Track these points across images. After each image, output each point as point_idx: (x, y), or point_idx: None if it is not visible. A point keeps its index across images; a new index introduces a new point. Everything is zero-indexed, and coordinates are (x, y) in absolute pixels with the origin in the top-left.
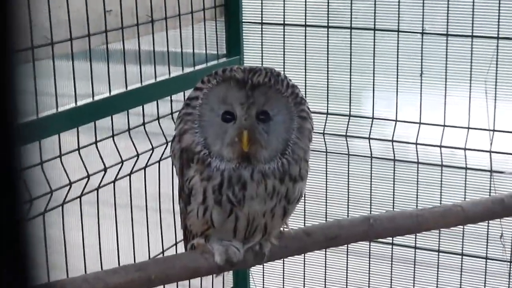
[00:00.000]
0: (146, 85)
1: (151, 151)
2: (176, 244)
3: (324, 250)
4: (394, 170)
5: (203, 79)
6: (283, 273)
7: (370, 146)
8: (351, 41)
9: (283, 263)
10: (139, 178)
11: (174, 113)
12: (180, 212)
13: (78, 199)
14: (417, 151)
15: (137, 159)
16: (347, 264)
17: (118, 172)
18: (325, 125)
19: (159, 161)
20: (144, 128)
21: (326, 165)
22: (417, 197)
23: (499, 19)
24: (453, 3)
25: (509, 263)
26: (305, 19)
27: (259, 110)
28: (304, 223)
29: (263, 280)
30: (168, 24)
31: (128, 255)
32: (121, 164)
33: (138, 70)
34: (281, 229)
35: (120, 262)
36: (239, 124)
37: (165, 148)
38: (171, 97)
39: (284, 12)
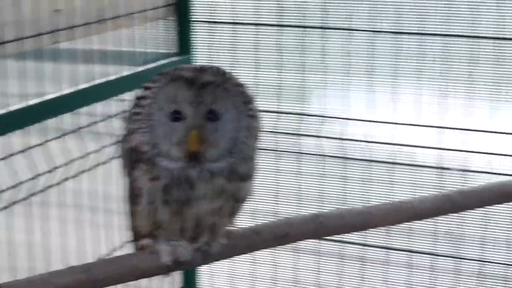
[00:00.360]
0: (96, 84)
1: (100, 151)
2: (124, 244)
3: (273, 248)
4: (344, 168)
5: (152, 78)
6: (232, 272)
7: (321, 144)
8: (302, 40)
9: (232, 262)
10: (88, 179)
11: (124, 112)
12: (127, 213)
13: (27, 200)
14: (367, 149)
15: (87, 159)
16: (296, 262)
17: (68, 173)
18: (276, 124)
19: (108, 161)
20: (94, 128)
21: (278, 164)
22: (367, 195)
23: (446, 16)
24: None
25: (457, 259)
26: (256, 17)
27: (207, 109)
28: (254, 221)
29: (212, 279)
30: (119, 23)
31: (76, 256)
32: (70, 164)
33: (89, 69)
34: (230, 228)
35: (69, 263)
36: (188, 124)
37: (115, 148)
38: (121, 96)
39: (233, 10)
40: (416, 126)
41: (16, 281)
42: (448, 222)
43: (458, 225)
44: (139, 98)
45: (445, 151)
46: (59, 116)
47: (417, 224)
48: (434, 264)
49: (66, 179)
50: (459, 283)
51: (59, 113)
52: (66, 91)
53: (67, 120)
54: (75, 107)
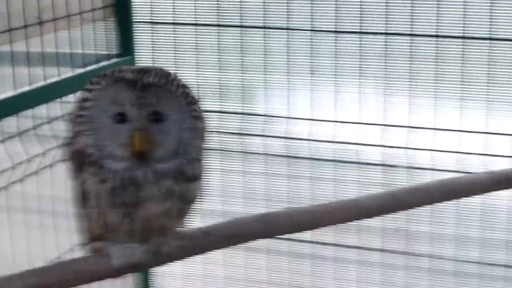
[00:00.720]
0: (36, 87)
1: (43, 154)
2: (73, 247)
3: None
4: (289, 167)
5: (92, 80)
6: (185, 273)
7: (264, 143)
8: (242, 39)
9: (183, 263)
10: (33, 182)
11: (65, 115)
12: (75, 216)
13: None
14: (310, 147)
15: (29, 162)
16: (247, 261)
17: (14, 176)
18: (219, 124)
19: (52, 165)
20: (35, 131)
21: (221, 164)
22: (312, 193)
23: (387, 15)
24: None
25: (405, 255)
26: (195, 17)
27: (150, 110)
28: (202, 222)
29: (164, 281)
30: (57, 25)
31: (24, 259)
32: (13, 168)
33: (27, 72)
34: (179, 229)
35: (16, 267)
36: (131, 126)
37: (59, 151)
38: (61, 99)
39: (174, 11)
40: (360, 124)
41: None
42: (397, 219)
43: (406, 222)
44: (81, 101)
45: (390, 148)
46: (1, 119)
47: (366, 222)
48: (384, 261)
49: (12, 182)
50: (409, 279)
51: (1, 117)
52: (7, 94)
53: (10, 123)
54: (17, 110)
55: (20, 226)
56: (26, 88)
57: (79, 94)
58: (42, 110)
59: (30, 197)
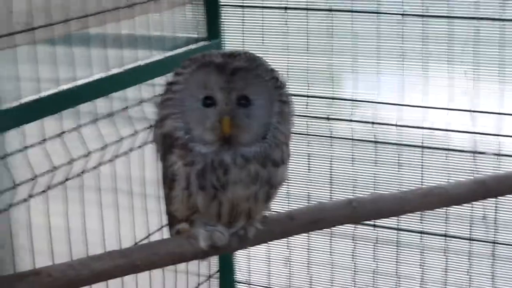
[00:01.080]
0: (127, 69)
1: (134, 135)
2: (161, 228)
3: (307, 233)
4: (376, 152)
5: (182, 64)
6: (268, 256)
7: (352, 128)
8: (331, 23)
9: (268, 246)
10: (124, 163)
11: (156, 97)
12: (164, 198)
13: (63, 184)
14: (398, 133)
15: (121, 144)
16: (331, 247)
17: (102, 157)
18: (306, 108)
19: (143, 146)
20: (127, 112)
21: (308, 148)
22: (399, 179)
23: None
24: None
25: (492, 244)
26: (285, 1)
27: (239, 94)
28: (288, 206)
29: (249, 263)
30: (148, 8)
31: (113, 240)
32: (105, 149)
33: (119, 55)
34: (265, 213)
35: (106, 247)
36: (220, 109)
37: (149, 133)
38: (153, 81)
39: None
40: (448, 110)
41: (56, 265)
42: (486, 207)
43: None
44: (170, 84)
45: (479, 135)
46: (93, 100)
47: (452, 208)
48: (472, 249)
49: (101, 163)
50: (495, 268)
51: (91, 98)
52: (98, 76)
53: (101, 104)
54: (107, 92)
55: (109, 206)
56: (117, 70)
57: (168, 77)
58: (132, 92)
59: (120, 178)
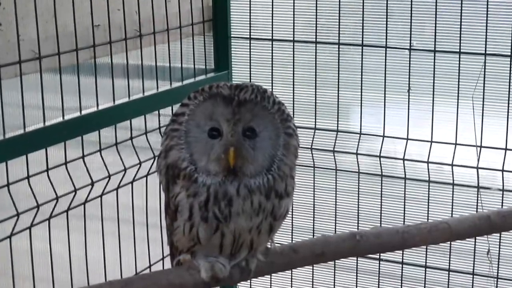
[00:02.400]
0: (134, 99)
1: (138, 165)
2: (163, 258)
3: (311, 265)
4: (381, 186)
5: (189, 95)
6: None
7: (357, 161)
8: (339, 56)
9: (270, 278)
10: (126, 193)
11: (161, 127)
12: (166, 228)
13: (65, 213)
14: (404, 166)
15: (124, 173)
16: (334, 280)
17: (105, 187)
18: (312, 140)
19: (146, 176)
20: (132, 142)
21: (314, 180)
22: (404, 213)
23: (486, 35)
24: (440, 19)
25: (495, 279)
26: (293, 34)
27: (245, 126)
28: (292, 238)
29: None
30: (156, 39)
31: (114, 268)
32: (108, 178)
33: (126, 84)
34: (268, 245)
35: (107, 276)
36: (225, 141)
37: (153, 163)
38: (159, 112)
39: (272, 27)
40: (454, 145)
41: None
42: (490, 242)
43: (497, 245)
44: (176, 115)
45: (484, 170)
46: (100, 129)
47: (455, 243)
48: (475, 284)
49: (104, 193)
50: None
51: (97, 128)
52: (106, 105)
53: (107, 133)
54: (113, 122)
55: (111, 235)
56: (124, 100)
57: (176, 108)
58: (139, 122)
59: (123, 208)
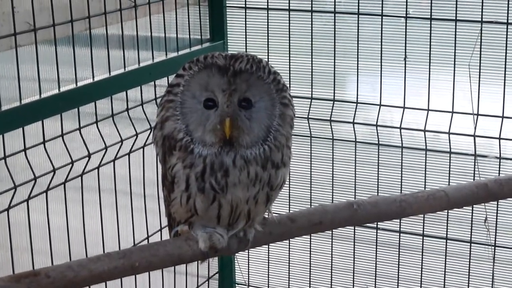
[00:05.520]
0: (129, 70)
1: (135, 136)
2: (161, 229)
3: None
4: (378, 155)
5: (184, 65)
6: (268, 258)
7: (354, 130)
8: (334, 25)
9: (268, 248)
10: (123, 164)
11: (157, 98)
12: (163, 199)
13: (63, 185)
14: (401, 135)
15: (121, 145)
16: (332, 249)
17: (102, 158)
18: (309, 110)
19: (143, 147)
20: (128, 113)
21: (311, 150)
22: (401, 182)
23: (482, 2)
24: None
25: (493, 247)
26: (289, 3)
27: (241, 97)
28: (289, 208)
29: (248, 265)
30: (151, 9)
31: (112, 240)
32: (105, 150)
33: (121, 55)
34: (265, 215)
35: (105, 247)
36: (221, 111)
37: (149, 134)
38: (154, 83)
39: None
40: (451, 113)
41: (55, 266)
42: (487, 210)
43: (494, 213)
44: (172, 86)
45: (481, 138)
46: (96, 101)
47: (453, 211)
48: (473, 252)
49: (101, 164)
50: (495, 271)
51: (92, 100)
52: (102, 76)
53: (103, 105)
54: (109, 94)
55: (109, 207)
56: (120, 71)
57: (171, 79)
58: (135, 93)
59: (120, 179)
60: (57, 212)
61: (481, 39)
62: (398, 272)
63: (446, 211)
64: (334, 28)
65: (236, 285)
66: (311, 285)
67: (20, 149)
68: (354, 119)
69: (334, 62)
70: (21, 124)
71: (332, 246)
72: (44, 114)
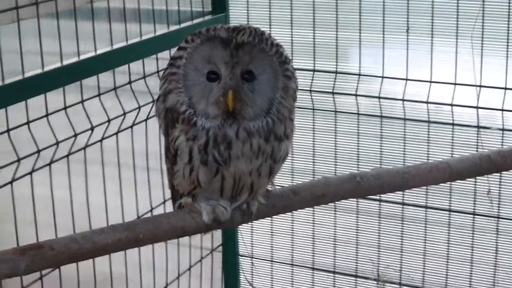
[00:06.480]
0: (132, 43)
1: (137, 109)
2: (164, 202)
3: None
4: (381, 127)
5: (187, 38)
6: (272, 229)
7: (357, 102)
8: None
9: (271, 220)
10: (126, 137)
11: (160, 71)
12: (167, 172)
13: (66, 158)
14: (404, 107)
15: (124, 118)
16: (335, 221)
17: (105, 131)
18: (311, 82)
19: (146, 120)
20: (131, 86)
21: (313, 122)
22: (404, 154)
23: None
24: None
25: (496, 219)
26: None
27: (243, 69)
28: (292, 180)
29: (252, 237)
30: None
31: (116, 213)
32: (108, 123)
33: (123, 29)
34: (268, 187)
35: (109, 220)
36: (224, 84)
37: (152, 107)
38: (157, 55)
39: None
40: (454, 85)
41: (59, 239)
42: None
43: (497, 185)
44: (174, 58)
45: (484, 110)
46: (98, 74)
47: (456, 183)
48: (476, 224)
49: (106, 137)
50: (498, 242)
51: (95, 73)
52: (104, 49)
53: (106, 78)
54: (111, 67)
55: (112, 180)
56: (122, 44)
57: (173, 51)
58: (137, 66)
59: (123, 152)
60: (61, 185)
61: (483, 9)
62: (402, 244)
63: (449, 183)
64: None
65: (240, 257)
66: (314, 257)
67: (23, 122)
68: (356, 91)
69: (336, 34)
70: (24, 97)
71: (335, 218)
72: (46, 88)
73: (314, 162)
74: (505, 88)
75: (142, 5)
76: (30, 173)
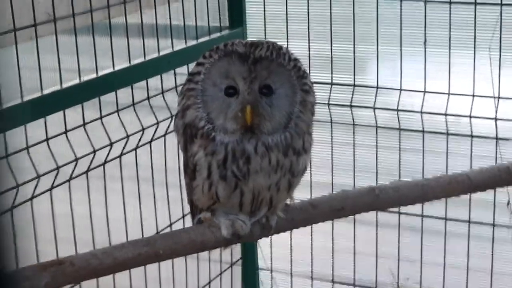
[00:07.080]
0: (149, 59)
1: (156, 125)
2: (183, 217)
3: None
4: (399, 139)
5: (204, 54)
6: (291, 243)
7: (375, 115)
8: (354, 9)
9: (291, 233)
10: (145, 152)
11: (178, 86)
12: (186, 187)
13: (85, 174)
14: (422, 119)
15: (143, 133)
16: (354, 234)
17: (124, 147)
18: (329, 95)
19: (164, 135)
20: (149, 102)
21: (332, 136)
22: (423, 166)
23: None
24: None
25: None
26: None
27: (261, 84)
28: (311, 194)
29: (271, 251)
30: None
31: (136, 228)
32: (126, 138)
33: (141, 44)
34: (287, 201)
35: (128, 236)
36: (242, 99)
37: (170, 122)
38: (174, 71)
39: None
40: (472, 96)
41: (79, 255)
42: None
43: None
44: (192, 74)
45: (503, 121)
46: (116, 90)
47: (475, 194)
48: (496, 235)
49: (125, 152)
50: None
51: (113, 89)
52: (122, 65)
53: (124, 94)
54: (129, 82)
55: (132, 195)
56: (140, 60)
57: (191, 67)
58: (155, 82)
59: (142, 167)
60: (80, 201)
61: (501, 21)
62: (421, 256)
63: (469, 194)
64: (353, 12)
65: (259, 270)
66: (334, 270)
67: (42, 139)
68: (374, 104)
69: (354, 47)
70: (43, 114)
71: (354, 231)
72: (65, 104)
73: (332, 175)
74: None
75: (160, 20)
76: (50, 189)
